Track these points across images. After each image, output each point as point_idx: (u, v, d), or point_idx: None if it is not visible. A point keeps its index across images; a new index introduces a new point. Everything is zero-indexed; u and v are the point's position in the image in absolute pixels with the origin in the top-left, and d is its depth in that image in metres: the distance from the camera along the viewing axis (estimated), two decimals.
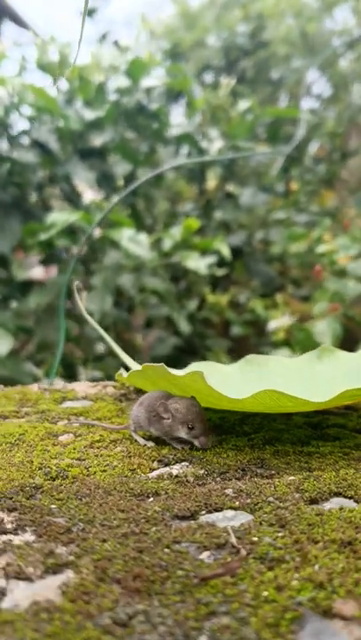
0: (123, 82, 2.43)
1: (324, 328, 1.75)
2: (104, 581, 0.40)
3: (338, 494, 0.55)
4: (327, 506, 0.53)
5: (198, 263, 2.06)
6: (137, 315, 2.82)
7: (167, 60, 3.11)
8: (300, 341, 1.74)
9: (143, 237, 2.00)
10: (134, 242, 1.98)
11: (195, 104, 2.45)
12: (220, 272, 2.32)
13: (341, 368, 0.84)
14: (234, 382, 0.85)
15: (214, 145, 2.57)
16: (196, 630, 0.36)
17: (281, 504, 0.52)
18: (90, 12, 3.01)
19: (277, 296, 2.58)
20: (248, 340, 2.69)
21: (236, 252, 2.90)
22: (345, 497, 0.55)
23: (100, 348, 2.36)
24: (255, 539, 0.46)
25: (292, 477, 0.59)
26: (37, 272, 3.09)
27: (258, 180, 2.87)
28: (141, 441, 0.70)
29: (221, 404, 0.72)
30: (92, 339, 2.33)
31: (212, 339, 2.59)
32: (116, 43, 2.88)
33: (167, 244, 2.16)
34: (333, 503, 0.54)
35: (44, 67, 2.44)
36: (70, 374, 2.28)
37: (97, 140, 2.40)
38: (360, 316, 1.92)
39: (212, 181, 2.81)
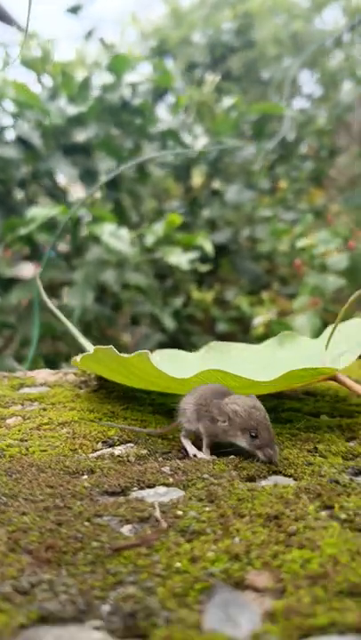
0: (106, 78, 2.43)
1: (303, 322, 1.74)
2: (15, 552, 0.40)
3: (277, 473, 0.55)
4: (263, 483, 0.52)
5: (180, 259, 2.05)
6: (124, 312, 2.81)
7: (154, 57, 3.11)
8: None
9: (124, 232, 2.00)
10: (115, 237, 1.97)
11: (179, 100, 2.45)
12: (204, 268, 2.31)
13: (303, 353, 0.83)
14: (191, 367, 0.84)
15: (199, 141, 2.57)
16: (100, 599, 0.35)
17: (215, 480, 0.51)
18: (74, 10, 3.00)
19: (263, 293, 2.57)
20: (234, 337, 2.68)
21: (223, 249, 2.89)
22: (284, 475, 0.54)
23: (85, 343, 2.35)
24: (180, 512, 0.45)
25: (232, 456, 0.58)
26: (29, 269, 3.08)
27: (244, 177, 2.87)
28: (198, 453, 0.58)
29: (170, 387, 0.71)
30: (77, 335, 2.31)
31: (198, 335, 2.57)
32: (101, 40, 2.88)
33: (150, 239, 2.15)
34: (270, 481, 0.53)
35: (27, 63, 2.44)
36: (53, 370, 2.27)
37: (80, 136, 2.39)
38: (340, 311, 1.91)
39: (197, 178, 2.81)
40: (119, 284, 2.25)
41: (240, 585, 0.37)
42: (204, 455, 0.58)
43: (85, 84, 2.38)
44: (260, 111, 2.51)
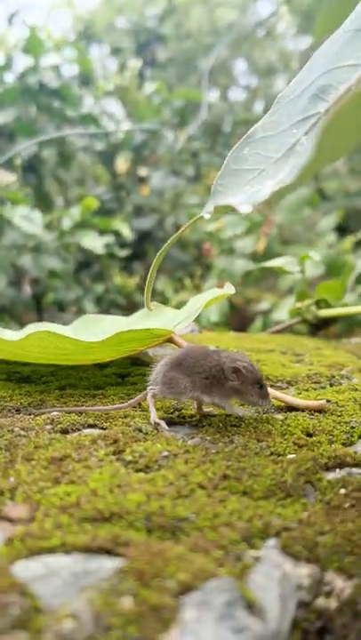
0: (25, 60, 2.40)
1: (212, 305, 1.77)
2: None
3: (93, 426, 0.57)
4: (74, 435, 0.54)
5: (95, 243, 2.05)
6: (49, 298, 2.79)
7: (81, 41, 3.08)
8: None
9: (37, 216, 1.98)
10: (28, 220, 1.95)
11: (98, 85, 2.44)
12: (123, 253, 2.32)
13: (161, 321, 0.85)
14: None
15: (121, 126, 2.57)
16: None
17: (24, 433, 0.53)
18: None
19: (186, 279, 2.60)
20: None
21: (148, 235, 2.91)
22: (98, 427, 0.56)
23: None
24: None
25: (55, 413, 0.59)
26: None
27: (169, 164, 2.89)
28: (154, 418, 0.56)
29: (14, 353, 0.72)
30: None
31: None
32: (23, 22, 2.83)
33: (66, 223, 2.14)
34: (83, 432, 0.55)
35: None
36: None
37: None
38: (249, 293, 1.97)
39: (122, 164, 2.81)
40: (37, 270, 2.24)
41: None
42: (164, 426, 0.55)
43: (1, 67, 2.34)
44: (180, 97, 2.53)
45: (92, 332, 0.89)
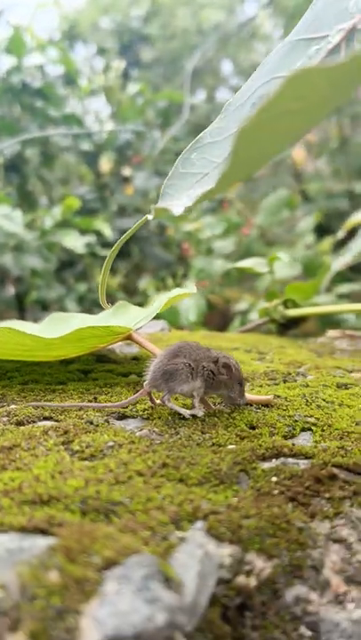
0: (8, 60, 2.41)
1: (190, 304, 1.80)
2: None
3: (48, 418, 0.59)
4: (29, 426, 0.56)
5: (76, 242, 2.07)
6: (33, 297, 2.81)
7: (65, 41, 3.10)
8: (165, 316, 1.79)
9: (18, 215, 2.00)
10: (8, 219, 1.97)
11: (81, 85, 2.46)
12: (105, 253, 2.34)
13: (125, 319, 0.88)
14: None
15: (105, 127, 2.59)
16: None
17: None
18: None
19: (169, 279, 2.63)
20: None
21: (132, 235, 2.93)
22: (53, 420, 0.58)
23: None
24: None
25: (14, 406, 0.62)
26: None
27: (153, 164, 2.91)
28: (186, 412, 0.57)
29: None
30: None
31: None
32: (7, 22, 2.84)
33: (48, 222, 2.16)
34: (37, 424, 0.57)
35: None
36: None
37: None
38: (227, 293, 2.00)
39: (106, 165, 2.83)
40: (19, 269, 2.25)
41: None
42: (199, 411, 0.58)
43: None
44: (164, 98, 2.56)
45: (59, 330, 0.91)
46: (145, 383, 0.59)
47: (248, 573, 0.38)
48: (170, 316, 1.76)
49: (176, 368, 0.57)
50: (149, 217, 0.51)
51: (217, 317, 2.35)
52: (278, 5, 4.34)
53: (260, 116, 0.31)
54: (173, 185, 0.52)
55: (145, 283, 2.98)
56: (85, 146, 2.70)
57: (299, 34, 0.53)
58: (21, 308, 2.71)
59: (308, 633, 0.38)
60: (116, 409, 0.60)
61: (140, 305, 2.60)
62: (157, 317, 1.12)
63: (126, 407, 0.61)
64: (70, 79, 2.71)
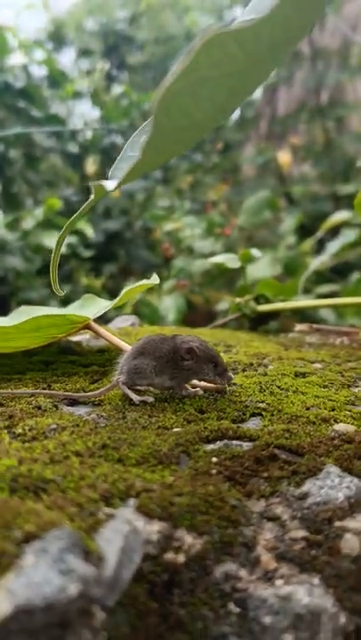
0: None
1: (170, 303, 1.80)
2: None
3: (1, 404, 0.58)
4: None
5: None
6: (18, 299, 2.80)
7: (52, 42, 3.10)
8: (146, 315, 1.79)
9: None
10: None
11: (65, 86, 2.46)
12: (87, 253, 2.34)
13: (89, 311, 0.87)
14: None
15: (88, 127, 2.59)
16: None
17: None
18: None
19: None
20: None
21: (117, 236, 2.93)
22: (2, 406, 0.58)
23: None
24: None
25: None
26: None
27: None
28: (137, 397, 0.58)
29: None
30: None
31: None
32: None
33: (30, 223, 2.16)
34: None
35: None
36: None
37: None
38: (208, 292, 2.00)
39: (91, 166, 2.83)
40: (1, 269, 2.24)
41: None
42: (148, 397, 0.58)
43: None
44: (149, 100, 2.56)
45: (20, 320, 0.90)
46: (115, 378, 0.60)
47: (177, 550, 0.38)
48: (150, 316, 1.76)
49: (140, 367, 0.58)
50: (91, 197, 0.50)
51: (200, 317, 2.35)
52: None
53: (177, 84, 0.31)
54: (119, 167, 0.52)
55: (130, 284, 2.98)
56: (71, 147, 2.70)
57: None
58: (6, 309, 2.70)
59: (237, 610, 0.37)
60: (89, 398, 0.60)
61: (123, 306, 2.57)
62: (141, 318, 1.11)
63: (98, 397, 0.60)
64: (54, 80, 2.71)
